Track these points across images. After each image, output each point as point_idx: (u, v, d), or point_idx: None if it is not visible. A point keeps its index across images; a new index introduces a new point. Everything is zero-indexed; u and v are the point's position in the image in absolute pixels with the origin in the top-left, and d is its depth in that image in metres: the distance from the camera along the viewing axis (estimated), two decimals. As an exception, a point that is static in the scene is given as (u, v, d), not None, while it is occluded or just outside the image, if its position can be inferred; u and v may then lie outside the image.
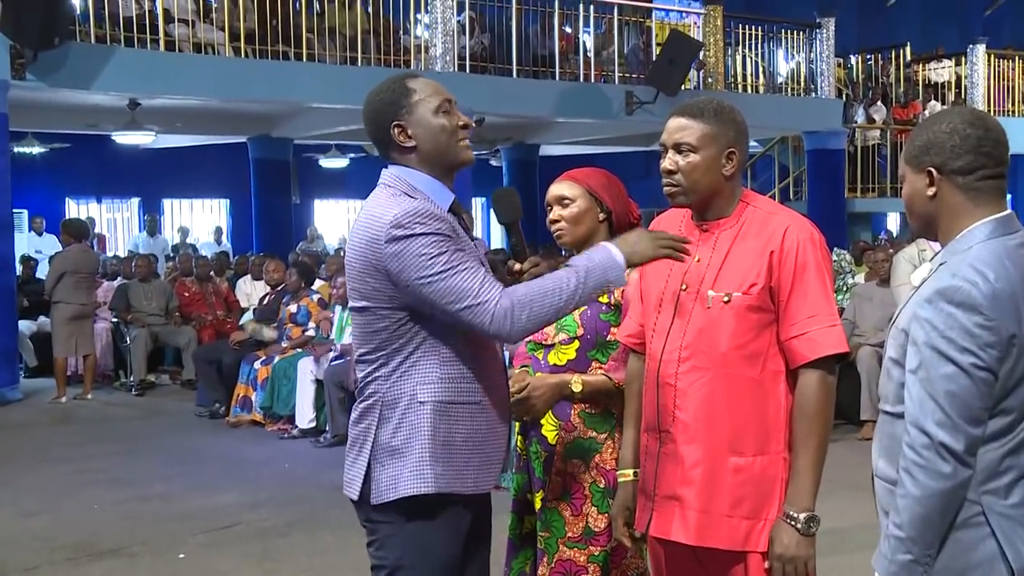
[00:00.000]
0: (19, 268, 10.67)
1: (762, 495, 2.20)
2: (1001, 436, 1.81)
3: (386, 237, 2.16)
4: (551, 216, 2.72)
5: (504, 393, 2.38)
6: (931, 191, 1.89)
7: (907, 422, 1.82)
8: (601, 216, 2.71)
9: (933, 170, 1.87)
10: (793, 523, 2.16)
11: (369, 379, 2.28)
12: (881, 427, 1.97)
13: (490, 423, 2.30)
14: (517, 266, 2.41)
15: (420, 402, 2.23)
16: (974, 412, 1.77)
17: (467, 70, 11.38)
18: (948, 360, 1.77)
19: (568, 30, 12.69)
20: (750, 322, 2.19)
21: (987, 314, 1.76)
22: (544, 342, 2.69)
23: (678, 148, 2.25)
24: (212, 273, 10.63)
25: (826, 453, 2.20)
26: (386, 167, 2.32)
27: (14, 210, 9.85)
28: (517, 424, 2.74)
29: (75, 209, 16.26)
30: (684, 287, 2.26)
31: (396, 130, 2.27)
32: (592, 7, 12.42)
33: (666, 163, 2.27)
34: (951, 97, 16.18)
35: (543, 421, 2.67)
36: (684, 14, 13.30)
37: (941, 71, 16.54)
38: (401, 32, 11.44)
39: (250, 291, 10.46)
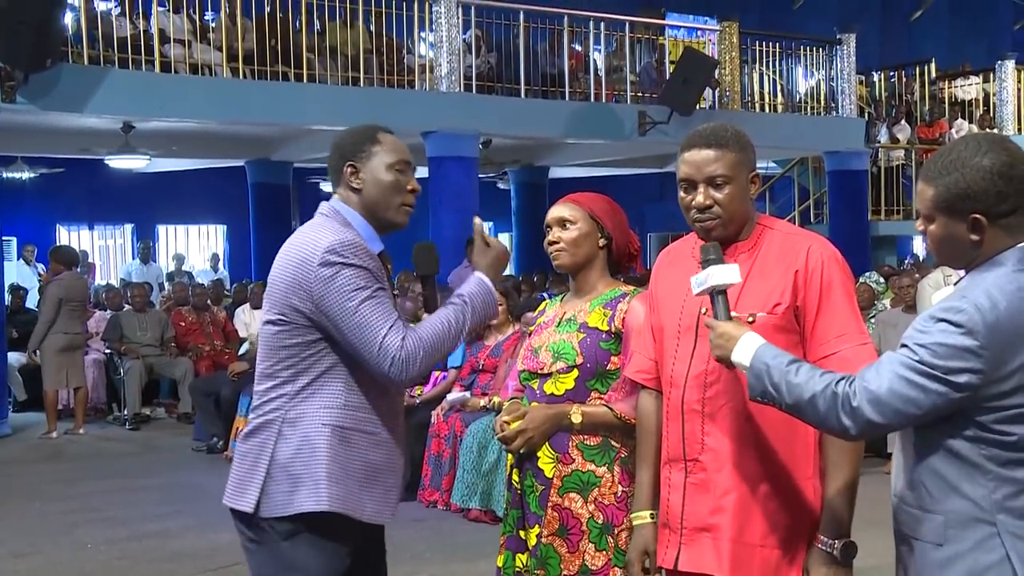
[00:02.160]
0: (8, 298, 10.41)
1: (795, 523, 2.18)
2: (1021, 456, 1.83)
3: (319, 260, 2.26)
4: (550, 237, 2.68)
5: (403, 428, 2.46)
6: (976, 237, 1.88)
7: (858, 373, 1.87)
8: (602, 242, 2.67)
9: (981, 217, 1.86)
10: (829, 550, 2.12)
11: (271, 395, 2.35)
12: (898, 446, 1.99)
13: (388, 455, 2.38)
14: (424, 315, 2.47)
15: (323, 424, 2.31)
16: (908, 410, 1.82)
17: (473, 90, 11.18)
18: (922, 363, 1.80)
19: (578, 48, 12.42)
20: (776, 343, 2.12)
21: (981, 341, 1.78)
22: (540, 371, 2.64)
23: (712, 181, 2.22)
24: (209, 302, 10.49)
25: (859, 478, 2.15)
26: (329, 200, 2.46)
27: (3, 237, 9.67)
28: (511, 457, 2.69)
29: (66, 236, 16.12)
30: (704, 310, 2.21)
31: (349, 169, 2.42)
32: (603, 24, 12.17)
33: (700, 199, 2.23)
34: (979, 115, 15.89)
35: (539, 453, 2.61)
36: (698, 31, 13.02)
37: (968, 88, 16.27)
38: (405, 51, 11.25)
39: (249, 320, 10.22)
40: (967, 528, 1.85)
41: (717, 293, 2.10)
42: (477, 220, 2.59)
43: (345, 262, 2.26)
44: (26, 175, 13.83)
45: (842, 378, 1.88)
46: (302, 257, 2.29)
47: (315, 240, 2.30)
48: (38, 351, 9.02)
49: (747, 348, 1.99)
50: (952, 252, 1.94)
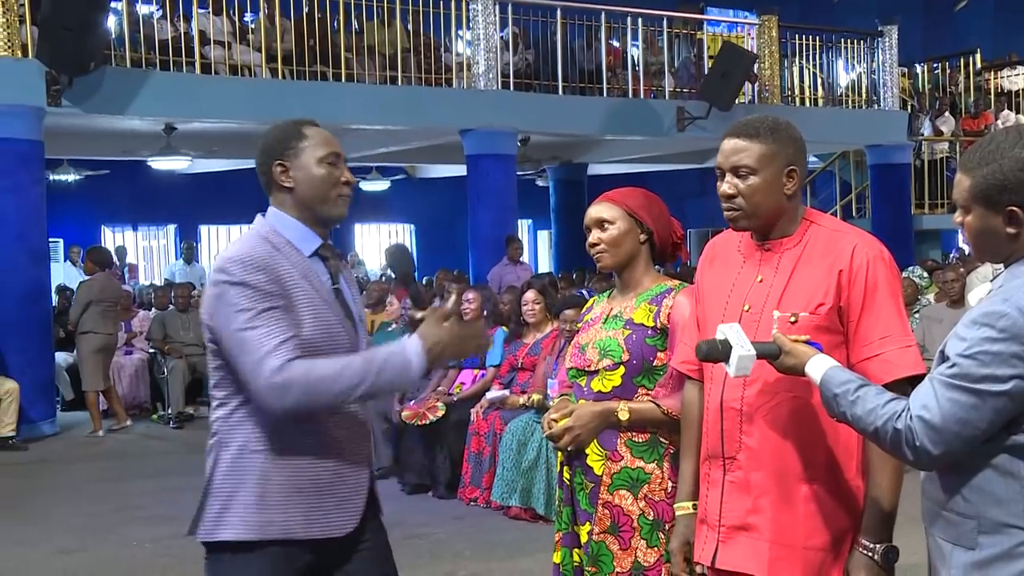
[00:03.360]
0: (55, 298, 10.57)
1: (837, 525, 2.15)
2: None
3: (212, 279, 2.23)
4: (590, 239, 2.67)
5: (357, 438, 2.34)
6: (1013, 230, 1.84)
7: (911, 401, 1.83)
8: (642, 237, 2.66)
9: (1018, 210, 1.82)
10: (870, 554, 2.08)
11: (213, 416, 2.31)
12: None
13: (338, 468, 2.29)
14: (419, 315, 2.35)
15: (252, 451, 2.24)
16: (967, 432, 1.77)
17: (511, 87, 11.18)
18: (969, 378, 1.76)
19: (615, 44, 12.34)
20: (819, 343, 2.10)
21: None
22: (587, 368, 2.63)
23: (736, 171, 2.21)
24: (250, 301, 10.42)
25: (902, 479, 2.11)
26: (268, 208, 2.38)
27: (50, 239, 9.76)
28: (560, 454, 2.69)
29: (111, 237, 16.30)
30: (747, 308, 2.21)
31: (278, 168, 2.33)
32: (640, 19, 12.08)
33: (725, 187, 2.23)
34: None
35: (588, 451, 2.60)
36: (737, 25, 12.88)
37: (1015, 78, 15.97)
38: (442, 50, 11.25)
39: (290, 319, 10.21)
40: (999, 534, 1.81)
41: (758, 355, 2.05)
42: (455, 294, 2.40)
43: (230, 280, 2.17)
44: (72, 177, 14.03)
45: (903, 410, 1.83)
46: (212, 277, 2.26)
47: (220, 258, 2.26)
48: (76, 352, 9.15)
49: (816, 371, 1.97)
50: (989, 245, 1.90)
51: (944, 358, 1.84)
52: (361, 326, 2.41)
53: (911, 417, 1.81)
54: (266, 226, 2.31)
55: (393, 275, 2.45)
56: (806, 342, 2.05)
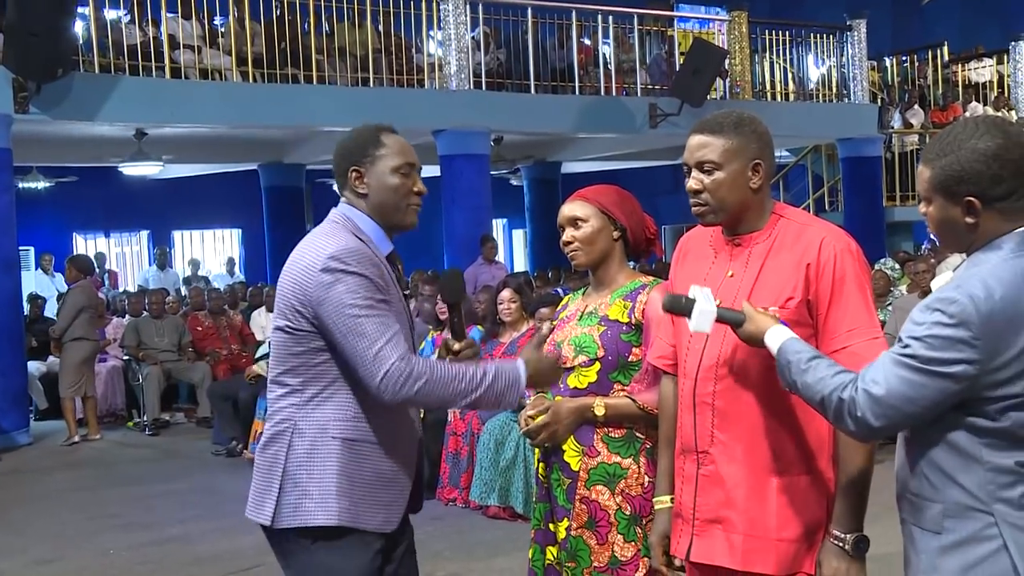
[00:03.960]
0: (27, 307, 10.46)
1: (809, 516, 2.17)
2: (1018, 446, 1.82)
3: (321, 266, 2.26)
4: (564, 238, 2.69)
5: (414, 433, 2.45)
6: (971, 220, 1.87)
7: (860, 374, 1.87)
8: (615, 234, 2.68)
9: (975, 200, 1.85)
10: (841, 544, 2.11)
11: (282, 404, 2.35)
12: (901, 440, 1.99)
13: (398, 464, 2.37)
14: (456, 346, 2.46)
15: (332, 437, 2.30)
16: (909, 409, 1.82)
17: (483, 87, 11.18)
18: (917, 358, 1.80)
19: (587, 42, 12.35)
20: (786, 323, 2.13)
21: (975, 332, 1.77)
22: (563, 365, 2.63)
23: (701, 167, 2.23)
24: (226, 306, 10.47)
25: (872, 469, 2.15)
26: (339, 205, 2.45)
27: (20, 247, 9.67)
28: (537, 451, 2.72)
29: (83, 244, 16.18)
30: (718, 302, 2.20)
31: (353, 174, 2.40)
32: (611, 17, 12.11)
33: (691, 183, 2.25)
34: (993, 97, 15.73)
35: (565, 447, 2.63)
36: (707, 21, 12.94)
37: (982, 71, 16.12)
38: (414, 50, 11.24)
39: (265, 323, 10.20)
40: (964, 517, 1.84)
41: (720, 319, 2.12)
42: (545, 326, 2.64)
43: (346, 269, 2.24)
44: (42, 185, 13.89)
45: (850, 382, 1.88)
46: (306, 263, 2.29)
47: (320, 247, 2.30)
48: (60, 355, 9.10)
49: (775, 340, 2.02)
50: (950, 235, 1.93)
51: (897, 341, 1.88)
52: (413, 335, 2.48)
53: (857, 389, 1.85)
54: (350, 223, 2.37)
55: (442, 300, 2.56)
56: (776, 319, 2.09)
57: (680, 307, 2.15)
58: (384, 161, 2.37)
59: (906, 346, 1.84)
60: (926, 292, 7.15)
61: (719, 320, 2.11)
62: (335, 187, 11.00)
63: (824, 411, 1.92)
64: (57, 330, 8.96)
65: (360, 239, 2.34)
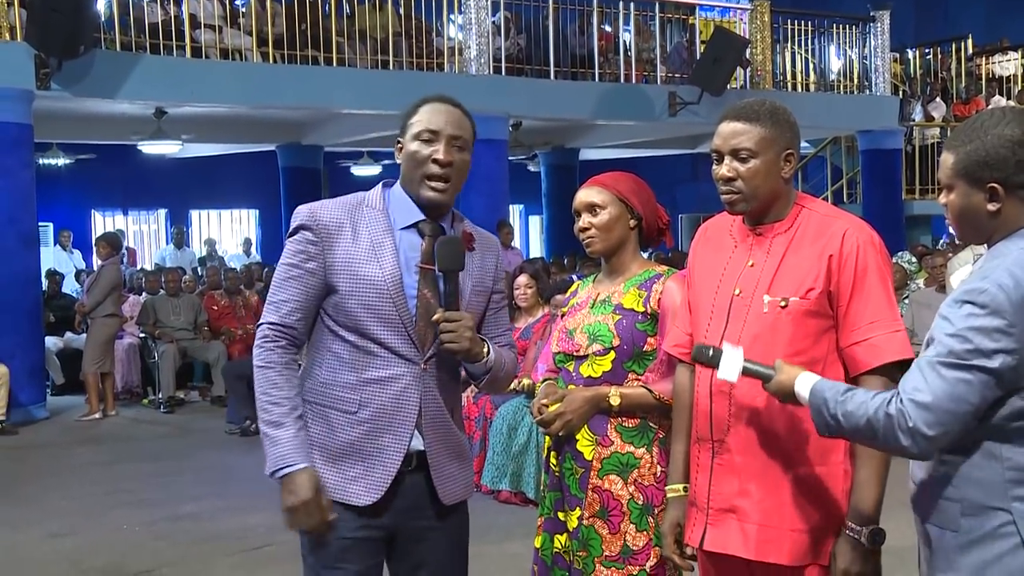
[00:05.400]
0: (45, 283, 10.55)
1: (824, 508, 2.17)
2: None
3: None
4: (580, 224, 2.66)
5: (401, 408, 2.27)
6: (993, 207, 1.86)
7: (901, 386, 1.83)
8: (632, 223, 2.65)
9: (998, 187, 1.84)
10: (857, 537, 2.09)
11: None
12: None
13: (370, 435, 2.25)
14: (437, 315, 2.28)
15: (305, 400, 2.28)
16: (961, 409, 1.77)
17: (503, 72, 11.14)
18: (956, 356, 1.77)
19: (607, 28, 12.30)
20: (808, 328, 2.15)
21: (1009, 319, 1.75)
22: (576, 353, 2.62)
23: (736, 154, 2.21)
24: (241, 286, 10.52)
25: (889, 462, 2.12)
26: None
27: (40, 223, 9.73)
28: (549, 439, 2.69)
29: (101, 221, 16.24)
30: (738, 292, 2.22)
31: (398, 145, 2.35)
32: (632, 4, 12.06)
33: (724, 170, 2.22)
34: (1017, 91, 15.59)
35: (578, 436, 2.60)
36: (730, 10, 12.86)
37: (1006, 64, 15.97)
38: (434, 34, 11.22)
39: (280, 304, 10.22)
40: (982, 515, 1.83)
41: (747, 372, 2.08)
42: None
43: (290, 230, 2.30)
44: (61, 161, 13.93)
45: (892, 396, 1.83)
46: None
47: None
48: (87, 331, 9.19)
49: (805, 385, 1.97)
50: (971, 223, 1.91)
51: (931, 341, 1.85)
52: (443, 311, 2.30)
53: (902, 400, 1.80)
54: (378, 191, 2.36)
55: (437, 269, 2.28)
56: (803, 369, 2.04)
57: (707, 359, 2.11)
58: (411, 129, 2.30)
59: (942, 347, 1.80)
60: (943, 286, 7.12)
61: (747, 374, 2.07)
62: (353, 169, 11.09)
63: (873, 434, 1.85)
64: (89, 305, 9.01)
65: (364, 204, 2.31)
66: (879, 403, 1.83)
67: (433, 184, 2.27)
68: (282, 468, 2.18)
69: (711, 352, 2.10)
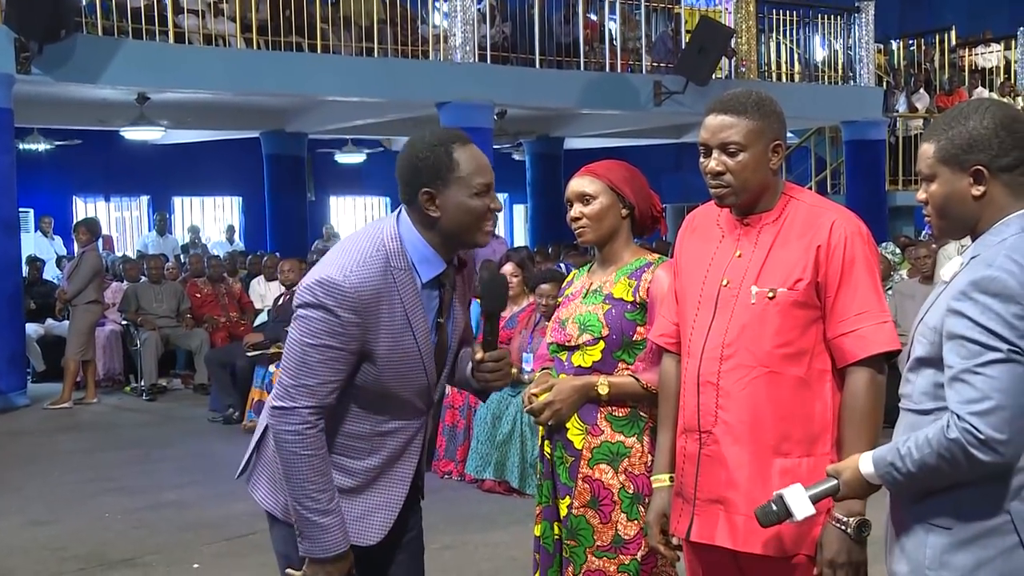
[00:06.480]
0: (25, 269, 10.46)
1: None
2: None
3: (307, 283, 2.17)
4: (572, 213, 2.65)
5: (409, 454, 2.31)
6: (978, 191, 1.84)
7: (952, 406, 1.76)
8: (624, 212, 2.65)
9: (983, 169, 1.82)
10: (843, 527, 2.08)
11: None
12: (904, 427, 1.92)
13: (377, 480, 2.27)
14: (479, 355, 2.32)
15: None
16: (1020, 400, 1.71)
17: (488, 60, 11.10)
18: (991, 350, 1.72)
19: (593, 17, 12.28)
20: (796, 319, 2.15)
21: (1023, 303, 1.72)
22: (568, 343, 2.63)
23: (724, 148, 2.19)
24: (225, 274, 10.45)
25: None
26: (401, 212, 2.28)
27: (20, 209, 9.64)
28: (541, 429, 2.70)
29: (82, 208, 16.07)
30: (726, 282, 2.22)
31: (424, 197, 2.20)
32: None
33: (713, 164, 2.21)
34: (999, 83, 15.69)
35: (568, 425, 2.62)
36: (714, 0, 12.85)
37: (989, 56, 16.06)
38: (419, 21, 11.19)
39: (264, 292, 10.23)
40: (978, 515, 1.81)
41: (817, 498, 2.01)
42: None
43: (318, 303, 2.12)
44: (42, 147, 13.79)
45: (947, 421, 1.76)
46: (313, 272, 2.20)
47: (332, 261, 2.19)
48: (69, 319, 9.12)
49: (866, 465, 1.91)
50: (955, 212, 1.88)
51: (938, 335, 1.82)
52: (451, 356, 2.36)
53: (958, 418, 1.74)
54: (394, 243, 2.20)
55: (481, 308, 2.28)
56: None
57: (778, 516, 2.01)
58: (461, 183, 2.18)
59: (972, 348, 1.74)
60: (927, 277, 7.14)
61: (818, 500, 1.99)
62: (337, 156, 10.98)
63: (952, 466, 1.77)
64: (71, 292, 8.93)
65: (392, 267, 2.18)
66: (937, 435, 1.77)
67: (488, 229, 2.27)
68: (332, 553, 2.19)
69: (774, 507, 2.01)
